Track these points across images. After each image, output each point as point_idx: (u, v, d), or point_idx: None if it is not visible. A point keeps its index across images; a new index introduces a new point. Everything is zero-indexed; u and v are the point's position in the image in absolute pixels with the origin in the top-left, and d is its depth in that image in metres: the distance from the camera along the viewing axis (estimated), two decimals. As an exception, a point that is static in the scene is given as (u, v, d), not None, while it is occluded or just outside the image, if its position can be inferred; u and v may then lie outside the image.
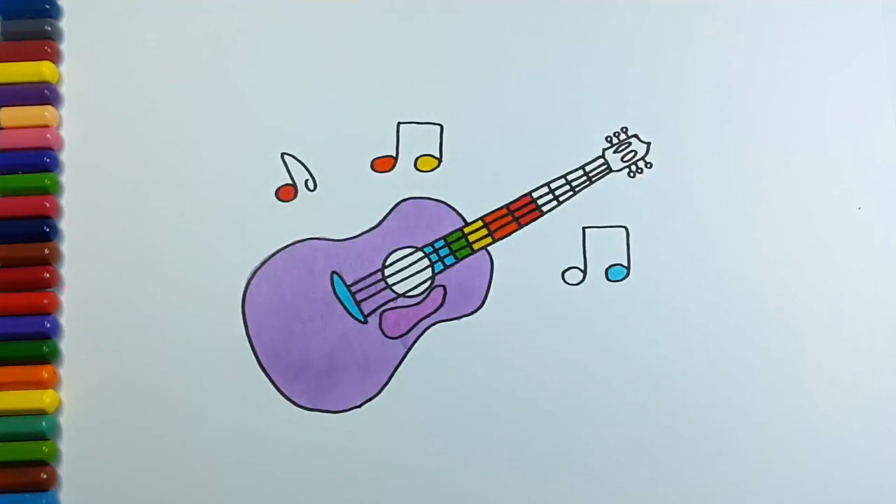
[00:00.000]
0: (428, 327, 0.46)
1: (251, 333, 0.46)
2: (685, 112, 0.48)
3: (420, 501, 0.45)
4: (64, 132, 0.48)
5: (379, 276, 0.47)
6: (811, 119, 0.48)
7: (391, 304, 0.47)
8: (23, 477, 0.44)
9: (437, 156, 0.48)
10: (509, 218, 0.47)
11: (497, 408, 0.46)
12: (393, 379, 0.46)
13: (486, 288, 0.47)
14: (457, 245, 0.47)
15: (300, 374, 0.46)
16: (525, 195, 0.47)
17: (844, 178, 0.47)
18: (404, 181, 0.47)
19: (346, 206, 0.47)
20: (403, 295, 0.47)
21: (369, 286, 0.47)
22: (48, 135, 0.47)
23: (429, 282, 0.47)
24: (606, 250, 0.47)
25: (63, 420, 0.46)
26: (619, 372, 0.46)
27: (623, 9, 0.49)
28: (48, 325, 0.45)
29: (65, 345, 0.46)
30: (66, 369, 0.46)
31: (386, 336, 0.46)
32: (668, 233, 0.47)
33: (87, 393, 0.46)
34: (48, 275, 0.46)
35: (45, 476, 0.44)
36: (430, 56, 0.48)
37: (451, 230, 0.47)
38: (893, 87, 0.48)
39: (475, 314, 0.46)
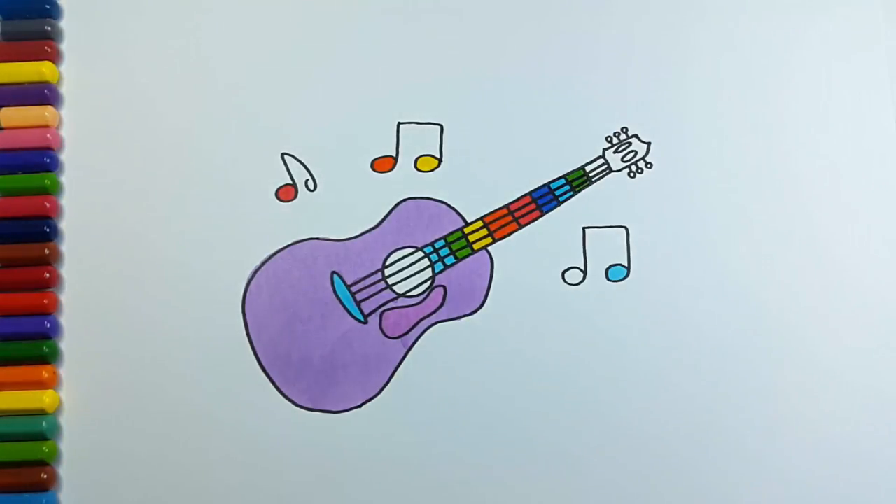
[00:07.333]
0: (428, 327, 0.46)
1: (251, 334, 0.46)
2: (685, 112, 0.48)
3: (420, 501, 0.45)
4: (64, 132, 0.48)
5: (379, 276, 0.47)
6: (811, 119, 0.48)
7: (391, 304, 0.47)
8: (23, 477, 0.44)
9: (437, 156, 0.48)
10: (509, 218, 0.47)
11: (497, 408, 0.46)
12: (393, 379, 0.46)
13: (486, 288, 0.47)
14: (457, 245, 0.47)
15: (300, 374, 0.46)
16: (525, 195, 0.47)
17: (844, 178, 0.47)
18: (404, 181, 0.47)
19: (346, 206, 0.47)
20: (403, 295, 0.47)
21: (369, 286, 0.47)
22: (48, 135, 0.47)
23: (429, 282, 0.47)
24: (606, 250, 0.47)
25: (63, 420, 0.46)
26: (619, 372, 0.46)
27: (623, 9, 0.49)
28: (48, 325, 0.45)
29: (65, 345, 0.46)
30: (66, 369, 0.46)
31: (386, 336, 0.46)
32: (668, 233, 0.47)
33: (87, 393, 0.46)
34: (48, 275, 0.46)
35: (45, 476, 0.44)
36: (430, 56, 0.48)
37: (451, 230, 0.47)
38: (893, 87, 0.48)
39: (475, 314, 0.46)
